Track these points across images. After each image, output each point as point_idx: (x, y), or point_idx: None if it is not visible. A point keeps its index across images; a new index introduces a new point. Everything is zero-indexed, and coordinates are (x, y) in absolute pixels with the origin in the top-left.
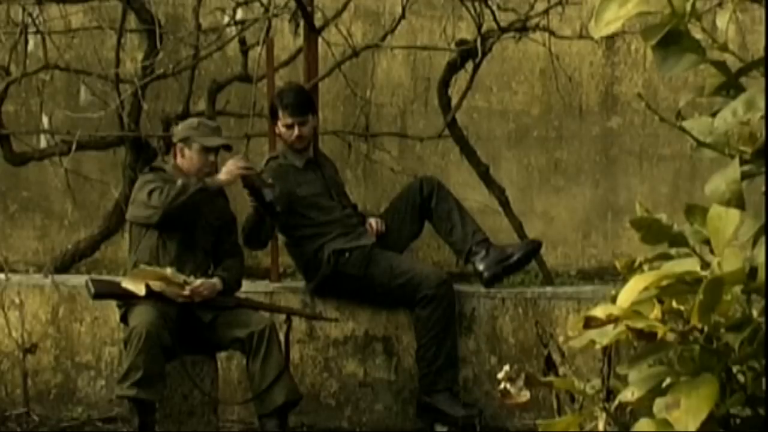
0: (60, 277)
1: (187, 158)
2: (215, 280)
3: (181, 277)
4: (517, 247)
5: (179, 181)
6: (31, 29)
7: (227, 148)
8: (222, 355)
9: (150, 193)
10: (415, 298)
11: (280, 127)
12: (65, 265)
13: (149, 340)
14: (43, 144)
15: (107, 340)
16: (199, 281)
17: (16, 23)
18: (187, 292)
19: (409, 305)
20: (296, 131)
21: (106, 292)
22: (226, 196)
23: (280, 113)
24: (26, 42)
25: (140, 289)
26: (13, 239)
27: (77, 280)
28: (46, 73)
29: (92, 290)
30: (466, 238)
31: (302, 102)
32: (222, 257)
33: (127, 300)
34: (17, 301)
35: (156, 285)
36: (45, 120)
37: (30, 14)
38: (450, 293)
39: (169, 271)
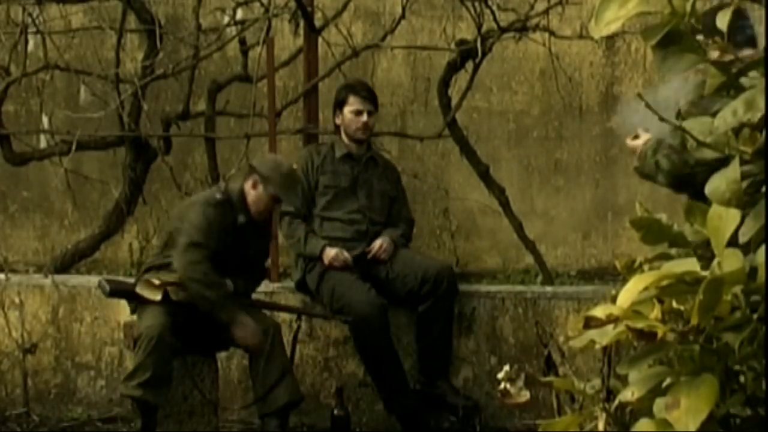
0: (60, 277)
1: (256, 194)
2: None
3: None
4: (462, 398)
5: (227, 285)
6: (31, 29)
7: (293, 216)
8: (222, 355)
9: (199, 259)
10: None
11: (346, 114)
12: (65, 265)
13: (160, 343)
14: (43, 144)
15: (107, 340)
16: None
17: (16, 23)
18: None
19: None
20: (364, 117)
21: (120, 290)
22: (270, 233)
23: (351, 99)
24: (26, 42)
25: (156, 296)
26: (13, 239)
27: (77, 280)
28: (46, 73)
29: (107, 289)
30: (434, 365)
31: (373, 94)
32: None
33: (139, 301)
34: (17, 301)
35: (172, 290)
36: (45, 120)
37: (30, 14)
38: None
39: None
